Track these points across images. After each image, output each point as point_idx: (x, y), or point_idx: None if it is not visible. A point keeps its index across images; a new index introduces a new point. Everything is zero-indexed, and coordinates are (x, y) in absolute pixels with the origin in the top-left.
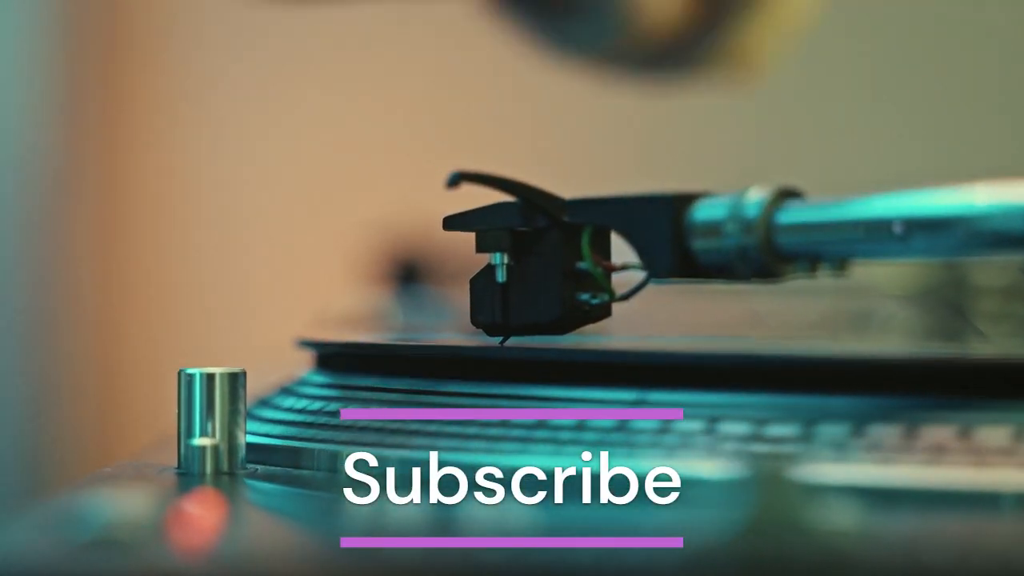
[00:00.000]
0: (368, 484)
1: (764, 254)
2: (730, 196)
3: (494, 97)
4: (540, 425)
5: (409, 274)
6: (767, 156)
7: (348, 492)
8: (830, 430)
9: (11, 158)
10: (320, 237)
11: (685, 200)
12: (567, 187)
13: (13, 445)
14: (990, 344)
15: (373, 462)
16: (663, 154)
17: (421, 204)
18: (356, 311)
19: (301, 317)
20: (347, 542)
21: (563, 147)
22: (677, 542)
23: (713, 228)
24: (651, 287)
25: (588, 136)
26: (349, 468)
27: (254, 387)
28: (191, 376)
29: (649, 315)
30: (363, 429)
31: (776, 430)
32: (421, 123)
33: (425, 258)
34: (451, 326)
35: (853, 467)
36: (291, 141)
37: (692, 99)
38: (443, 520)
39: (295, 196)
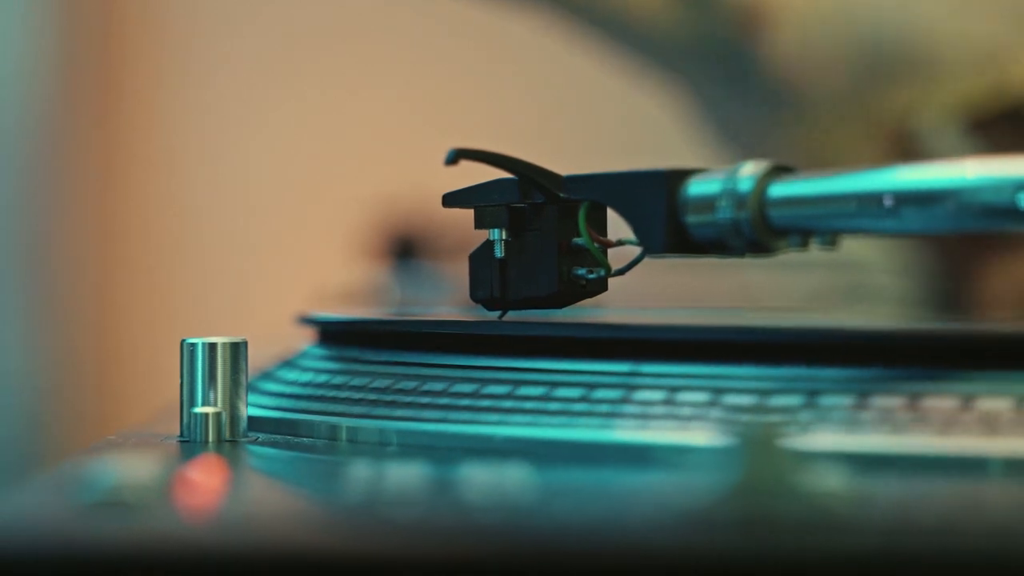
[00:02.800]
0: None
1: (756, 228)
2: (723, 171)
3: (492, 74)
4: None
5: (406, 250)
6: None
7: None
8: (823, 400)
9: (7, 133)
10: (319, 213)
11: (679, 176)
12: (567, 165)
13: (12, 419)
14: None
15: (373, 431)
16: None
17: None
18: (354, 286)
19: (300, 292)
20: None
21: (563, 124)
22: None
23: (706, 203)
24: (647, 262)
25: (589, 113)
26: (349, 437)
27: (254, 360)
28: (193, 345)
29: (645, 288)
30: (363, 401)
31: (773, 400)
32: (418, 100)
33: (422, 234)
34: (448, 301)
35: (844, 435)
36: (290, 118)
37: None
38: (441, 486)
39: (294, 172)
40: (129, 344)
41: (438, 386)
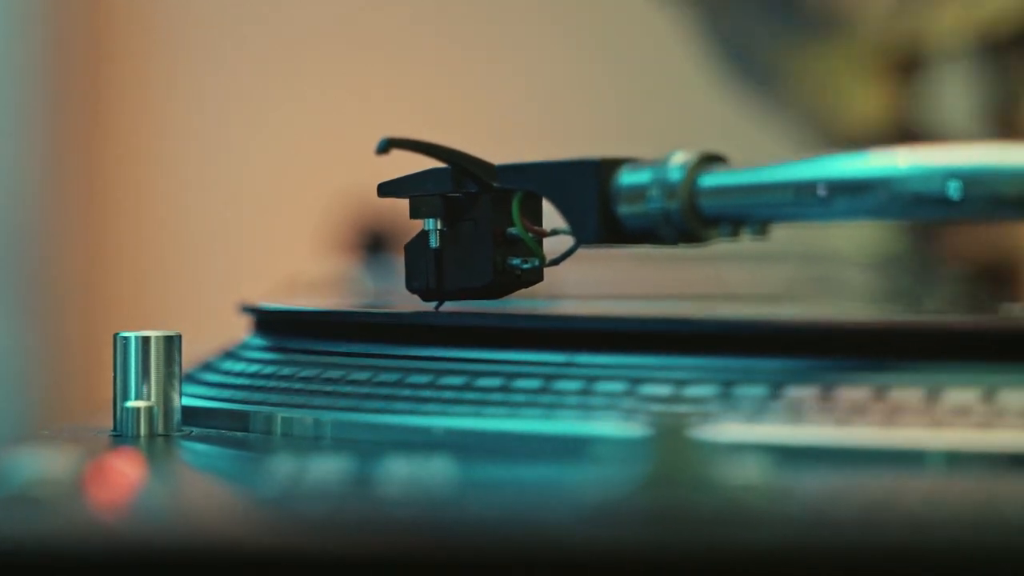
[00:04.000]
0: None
1: (687, 218)
2: (654, 161)
3: (461, 70)
4: (465, 387)
5: (377, 243)
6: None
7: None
8: (743, 391)
9: None
10: (288, 207)
11: (611, 165)
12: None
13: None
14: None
15: (307, 423)
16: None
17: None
18: (324, 279)
19: (269, 285)
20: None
21: (529, 119)
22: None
23: (638, 193)
24: (610, 253)
25: (564, 108)
26: (281, 429)
27: (206, 351)
28: (126, 339)
29: (604, 280)
30: (298, 392)
31: (692, 391)
32: (389, 94)
33: (392, 227)
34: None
35: (762, 427)
36: (260, 112)
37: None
38: (364, 478)
39: (264, 166)
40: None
41: (387, 377)
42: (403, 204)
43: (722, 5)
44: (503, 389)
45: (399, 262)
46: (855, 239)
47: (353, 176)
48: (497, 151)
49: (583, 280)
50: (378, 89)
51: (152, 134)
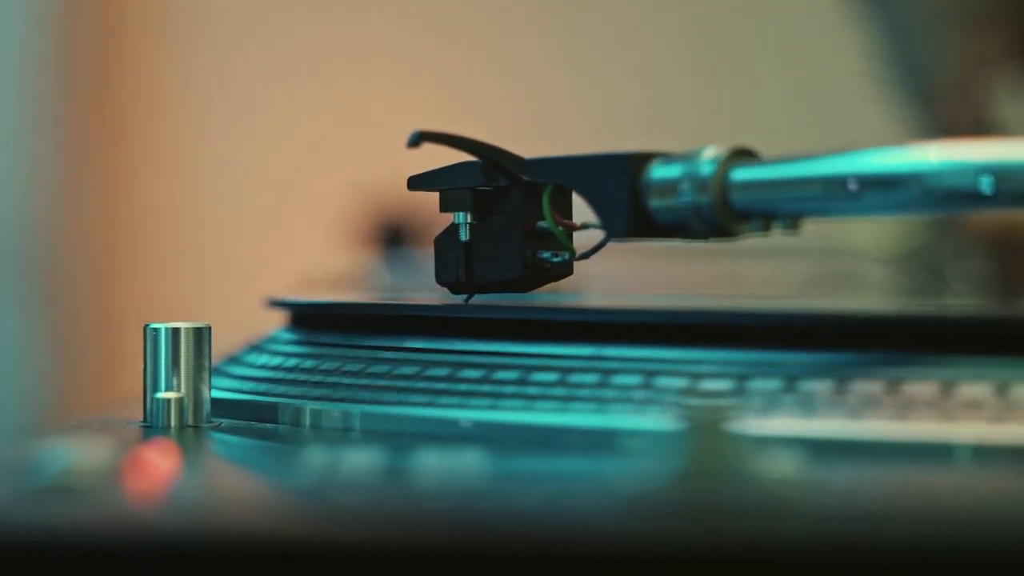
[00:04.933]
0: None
1: (718, 212)
2: (685, 155)
3: (478, 62)
4: (484, 380)
5: (395, 237)
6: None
7: (308, 443)
8: (770, 384)
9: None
10: (308, 201)
11: (642, 159)
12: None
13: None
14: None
15: (335, 416)
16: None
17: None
18: (343, 273)
19: (289, 280)
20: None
21: (546, 112)
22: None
23: (669, 187)
24: (635, 247)
25: (571, 103)
26: (310, 421)
27: (232, 345)
28: (156, 331)
29: (630, 275)
30: (328, 384)
31: (717, 384)
32: (407, 87)
33: (411, 221)
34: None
35: (793, 420)
36: (280, 106)
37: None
38: (393, 472)
39: (280, 161)
40: (128, 330)
41: (409, 370)
42: (420, 197)
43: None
44: (558, 383)
45: (417, 256)
46: (876, 234)
47: (370, 170)
48: (519, 145)
49: (604, 275)
50: (396, 84)
51: (168, 130)
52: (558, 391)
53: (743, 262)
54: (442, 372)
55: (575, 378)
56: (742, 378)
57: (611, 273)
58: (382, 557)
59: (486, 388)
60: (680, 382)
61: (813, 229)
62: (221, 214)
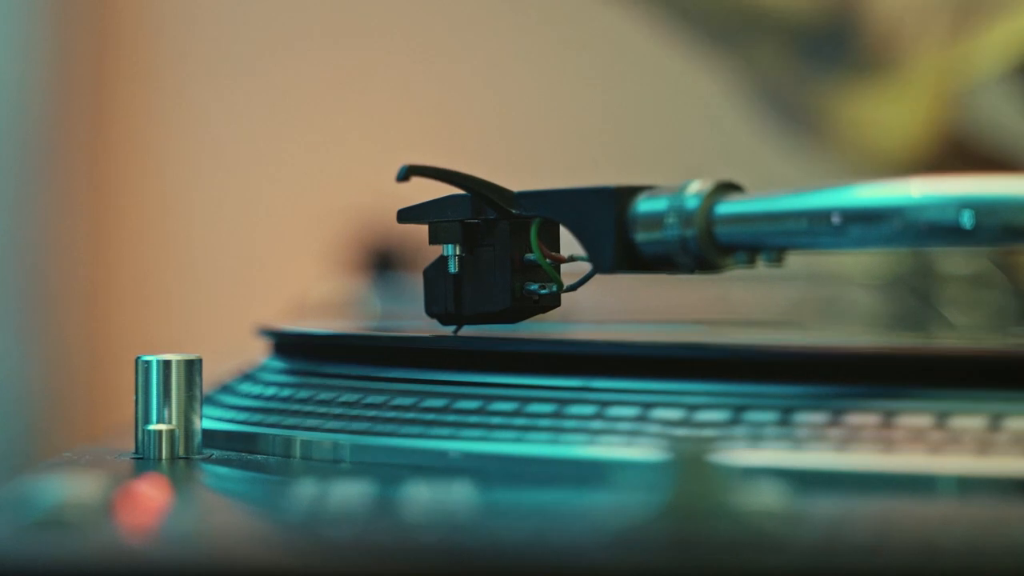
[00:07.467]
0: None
1: (704, 246)
2: (671, 189)
3: (469, 88)
4: (479, 411)
5: (385, 262)
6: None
7: (299, 475)
8: (757, 416)
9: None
10: (296, 226)
11: (628, 193)
12: (536, 182)
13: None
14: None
15: (326, 447)
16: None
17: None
18: (333, 299)
19: (278, 306)
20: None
21: (533, 141)
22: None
23: (655, 220)
24: (622, 276)
25: (559, 131)
26: (300, 452)
27: (224, 373)
28: (148, 363)
29: (618, 302)
30: (317, 415)
31: (706, 416)
32: (396, 112)
33: (400, 246)
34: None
35: (778, 452)
36: (268, 130)
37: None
38: (383, 504)
39: (271, 186)
40: (118, 351)
41: (406, 401)
42: (411, 224)
43: (759, 48)
44: (554, 416)
45: (407, 281)
46: (862, 260)
47: (361, 196)
48: (509, 177)
49: (594, 302)
50: (386, 111)
51: (159, 153)
52: (548, 422)
53: (731, 288)
54: (437, 403)
55: (569, 409)
56: (737, 409)
57: (599, 300)
58: None
59: (475, 419)
60: (672, 413)
61: (800, 255)
62: (212, 239)
